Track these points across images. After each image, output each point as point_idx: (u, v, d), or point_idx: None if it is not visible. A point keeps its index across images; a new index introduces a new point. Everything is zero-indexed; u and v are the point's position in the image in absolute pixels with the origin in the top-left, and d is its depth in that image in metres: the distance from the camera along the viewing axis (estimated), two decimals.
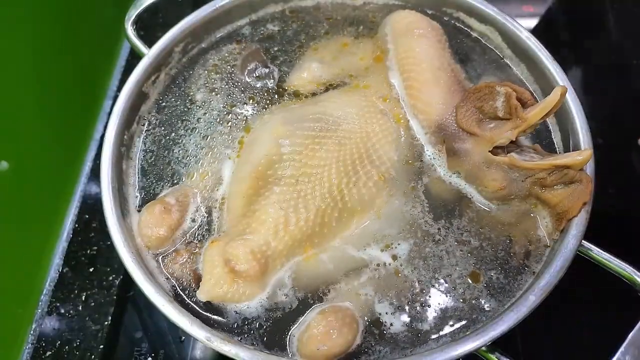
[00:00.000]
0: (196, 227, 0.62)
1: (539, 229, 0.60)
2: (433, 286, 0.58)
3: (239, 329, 0.56)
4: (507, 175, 0.59)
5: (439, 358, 0.51)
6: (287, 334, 0.56)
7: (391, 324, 0.56)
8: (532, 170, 0.58)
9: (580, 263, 0.57)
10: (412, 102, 0.68)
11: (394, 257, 0.60)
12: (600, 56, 0.96)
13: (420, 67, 0.69)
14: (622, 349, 0.51)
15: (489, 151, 0.60)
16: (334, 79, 0.74)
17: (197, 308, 0.57)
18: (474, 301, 0.57)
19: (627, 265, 0.56)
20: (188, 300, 0.58)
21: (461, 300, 0.57)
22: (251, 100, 0.73)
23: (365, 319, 0.57)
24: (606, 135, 0.76)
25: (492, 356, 0.53)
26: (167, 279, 0.59)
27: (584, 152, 0.57)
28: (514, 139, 0.60)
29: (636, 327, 0.52)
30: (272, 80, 0.75)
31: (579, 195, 0.57)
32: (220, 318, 0.57)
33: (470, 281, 0.58)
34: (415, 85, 0.68)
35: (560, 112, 0.66)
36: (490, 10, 0.75)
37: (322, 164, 0.62)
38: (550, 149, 0.68)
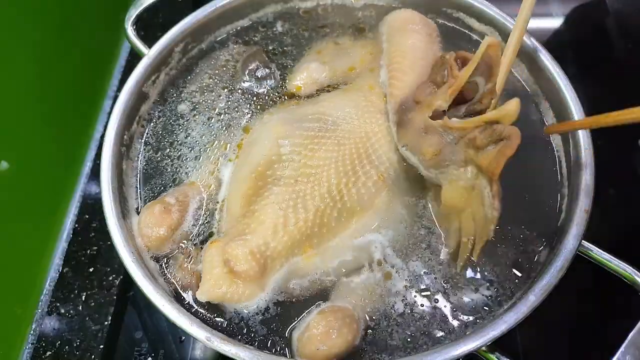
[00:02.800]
0: (196, 227, 0.62)
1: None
2: (432, 286, 0.58)
3: (238, 329, 0.56)
4: (442, 139, 0.57)
5: (439, 358, 0.51)
6: (287, 334, 0.56)
7: (391, 324, 0.56)
8: (464, 130, 0.55)
9: (580, 263, 0.57)
10: (389, 90, 0.67)
11: (394, 257, 0.60)
12: (601, 56, 0.96)
13: (405, 58, 0.68)
14: (622, 349, 0.51)
15: (429, 117, 0.58)
16: (333, 79, 0.74)
17: (197, 308, 0.57)
18: (473, 301, 0.57)
19: (627, 265, 0.55)
20: (188, 300, 0.58)
21: (461, 301, 0.57)
22: (251, 101, 0.73)
23: (365, 319, 0.57)
24: (606, 135, 0.76)
25: (492, 356, 0.53)
26: (167, 279, 0.59)
27: (510, 102, 0.52)
28: (449, 100, 0.56)
29: (636, 327, 0.52)
30: (272, 81, 0.75)
31: (504, 151, 0.52)
32: (220, 318, 0.57)
33: (470, 282, 0.58)
34: (396, 75, 0.68)
35: (561, 113, 0.66)
36: (490, 10, 0.75)
37: (321, 164, 0.62)
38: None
